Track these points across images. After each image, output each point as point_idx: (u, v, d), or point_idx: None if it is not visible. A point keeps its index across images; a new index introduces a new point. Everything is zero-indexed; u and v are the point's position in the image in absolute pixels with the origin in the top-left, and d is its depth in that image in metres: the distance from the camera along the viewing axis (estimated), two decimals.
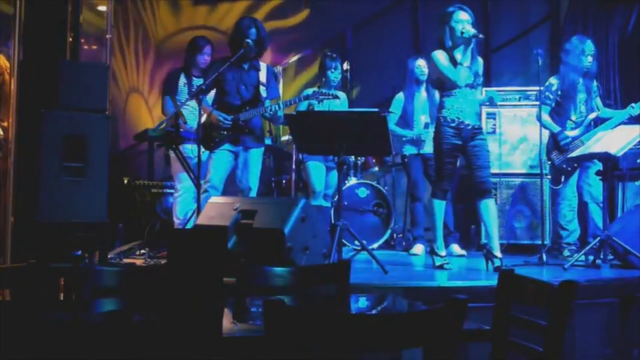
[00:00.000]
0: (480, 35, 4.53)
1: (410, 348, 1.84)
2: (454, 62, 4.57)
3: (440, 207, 4.69)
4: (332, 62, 5.84)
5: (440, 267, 4.63)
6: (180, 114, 5.51)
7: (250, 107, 5.21)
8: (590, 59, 5.44)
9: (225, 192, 5.23)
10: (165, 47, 7.70)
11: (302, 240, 3.98)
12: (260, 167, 5.33)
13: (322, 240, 4.14)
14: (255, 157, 5.26)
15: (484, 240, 5.72)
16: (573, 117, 5.54)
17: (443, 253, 4.73)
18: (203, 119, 5.15)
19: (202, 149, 5.32)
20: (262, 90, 5.27)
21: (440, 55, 4.62)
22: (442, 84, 4.67)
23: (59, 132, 4.16)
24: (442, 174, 4.69)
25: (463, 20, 4.53)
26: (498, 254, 4.56)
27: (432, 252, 4.79)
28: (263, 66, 5.35)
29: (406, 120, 6.11)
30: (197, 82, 5.69)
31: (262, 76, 5.29)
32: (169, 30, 7.76)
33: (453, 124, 4.60)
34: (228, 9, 7.81)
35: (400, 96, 6.18)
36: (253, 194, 5.24)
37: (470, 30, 4.49)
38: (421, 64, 6.07)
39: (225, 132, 5.16)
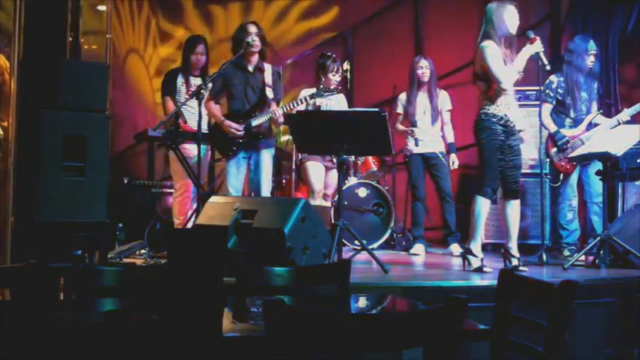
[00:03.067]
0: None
1: (410, 348, 1.84)
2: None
3: (485, 205, 4.49)
4: (334, 64, 5.82)
5: (479, 269, 4.41)
6: (180, 114, 5.50)
7: (259, 111, 5.24)
8: (592, 58, 5.48)
9: None
10: None
11: (302, 240, 3.98)
12: (272, 167, 5.41)
13: (322, 240, 4.13)
14: (267, 157, 5.31)
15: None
16: (572, 116, 5.56)
17: (481, 255, 4.50)
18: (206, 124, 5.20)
19: (207, 149, 5.40)
20: (269, 92, 5.30)
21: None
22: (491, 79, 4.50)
23: (59, 132, 4.15)
24: (494, 172, 4.48)
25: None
26: (516, 253, 4.54)
27: (466, 252, 4.55)
28: (268, 67, 5.37)
29: (407, 120, 6.10)
30: (195, 81, 5.68)
31: (268, 77, 5.32)
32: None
33: (501, 122, 4.49)
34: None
35: (402, 96, 6.16)
36: (267, 194, 5.30)
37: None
38: (423, 65, 6.01)
39: (241, 141, 5.22)
